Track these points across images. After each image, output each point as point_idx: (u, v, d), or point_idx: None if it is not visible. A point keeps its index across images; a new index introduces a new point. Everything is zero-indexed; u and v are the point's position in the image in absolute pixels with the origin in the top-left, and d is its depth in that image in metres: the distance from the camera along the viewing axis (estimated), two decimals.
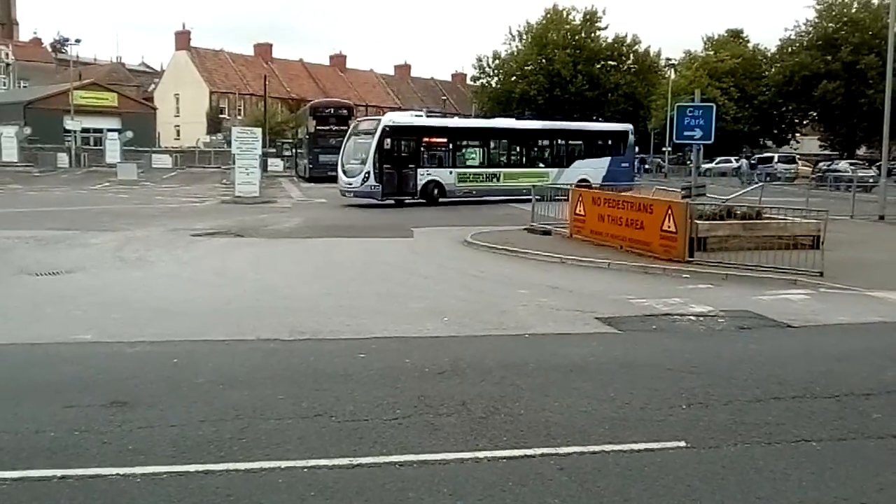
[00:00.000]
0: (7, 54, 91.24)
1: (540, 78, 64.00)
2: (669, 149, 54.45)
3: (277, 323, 9.10)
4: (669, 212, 14.11)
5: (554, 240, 17.15)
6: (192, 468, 4.83)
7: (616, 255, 14.66)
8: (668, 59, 65.06)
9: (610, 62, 66.36)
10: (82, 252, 15.13)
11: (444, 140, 28.81)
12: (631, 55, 68.37)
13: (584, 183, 29.38)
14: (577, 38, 66.10)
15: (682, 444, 5.37)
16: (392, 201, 27.16)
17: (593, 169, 31.68)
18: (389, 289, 11.86)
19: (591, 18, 66.91)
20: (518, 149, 31.59)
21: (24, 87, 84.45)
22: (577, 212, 17.19)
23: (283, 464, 4.92)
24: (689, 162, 47.16)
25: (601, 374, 7.14)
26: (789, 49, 63.43)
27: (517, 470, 4.92)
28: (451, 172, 28.37)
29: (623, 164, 33.40)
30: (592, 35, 66.79)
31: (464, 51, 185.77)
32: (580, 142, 33.14)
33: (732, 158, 57.34)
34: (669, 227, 13.96)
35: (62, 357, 7.65)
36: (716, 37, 73.07)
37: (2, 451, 5.04)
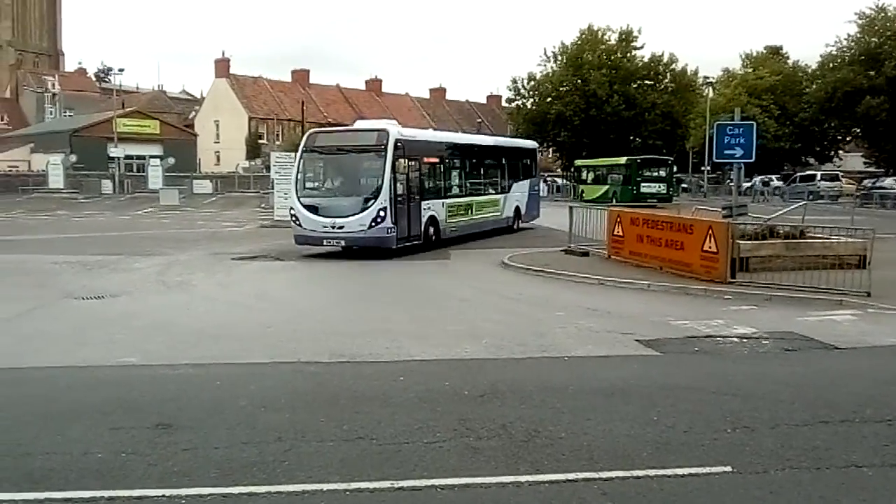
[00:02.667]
0: (53, 84, 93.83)
1: (576, 98, 63.95)
2: (708, 168, 53.96)
3: (317, 346, 9.16)
4: (710, 232, 13.95)
5: (592, 261, 17.04)
6: (235, 490, 4.87)
7: (656, 277, 14.52)
8: (705, 78, 64.54)
9: (646, 81, 66.09)
10: (126, 276, 15.40)
11: (437, 161, 21.56)
12: (668, 74, 68.01)
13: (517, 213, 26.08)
14: (612, 57, 65.94)
15: (728, 468, 5.27)
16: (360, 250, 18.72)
17: (521, 194, 26.80)
18: (427, 312, 11.89)
19: (626, 38, 66.75)
20: (483, 171, 25.01)
21: (70, 115, 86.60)
22: (616, 233, 17.08)
23: (326, 486, 4.93)
24: (728, 181, 46.64)
25: (643, 397, 7.04)
26: (831, 65, 62.48)
27: (559, 495, 4.87)
28: (443, 205, 21.16)
29: (535, 188, 28.76)
30: (628, 55, 66.58)
31: (499, 73, 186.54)
32: (513, 161, 27.10)
33: (759, 178, 56.08)
34: (710, 247, 13.80)
35: (107, 380, 7.78)
36: (754, 54, 72.48)
37: (51, 471, 5.13)
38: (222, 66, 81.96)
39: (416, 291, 14.14)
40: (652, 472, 5.20)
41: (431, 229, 20.28)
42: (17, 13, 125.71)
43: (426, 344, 9.32)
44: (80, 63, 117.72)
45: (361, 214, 18.02)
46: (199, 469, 5.20)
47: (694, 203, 32.79)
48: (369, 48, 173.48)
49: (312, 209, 18.57)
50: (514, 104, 72.26)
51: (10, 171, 66.11)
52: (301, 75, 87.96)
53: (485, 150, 25.91)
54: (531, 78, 68.83)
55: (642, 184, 43.97)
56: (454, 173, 22.70)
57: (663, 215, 17.22)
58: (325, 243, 18.63)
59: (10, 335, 9.88)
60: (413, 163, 19.49)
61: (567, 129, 64.85)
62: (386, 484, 4.97)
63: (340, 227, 18.17)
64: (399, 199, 18.52)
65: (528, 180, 27.70)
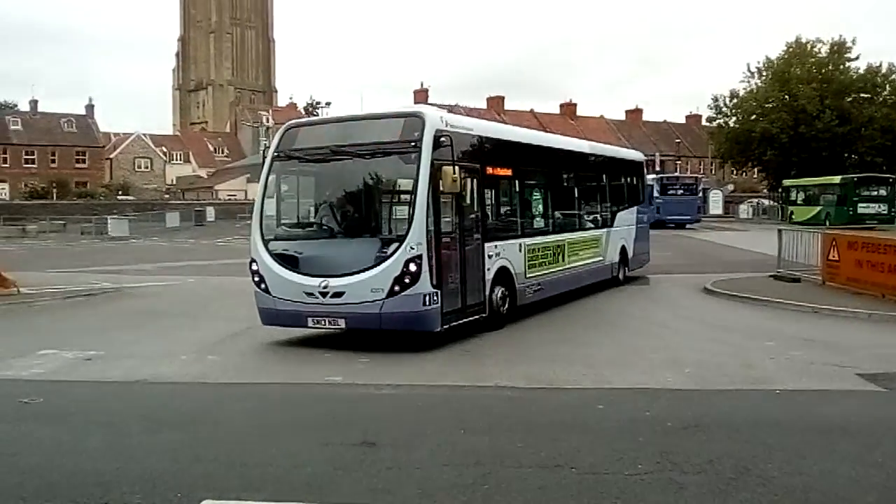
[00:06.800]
0: (267, 119, 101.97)
1: (783, 115, 60.51)
2: None
3: (514, 371, 9.17)
4: None
5: (804, 287, 15.96)
6: None
7: (878, 305, 13.34)
8: None
9: (862, 94, 61.31)
10: None
11: (509, 173, 13.11)
12: (887, 86, 62.84)
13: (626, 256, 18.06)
14: (823, 71, 61.99)
15: None
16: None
17: (627, 228, 18.43)
18: (626, 338, 11.61)
19: (839, 49, 62.50)
20: (577, 193, 16.57)
21: None
22: (831, 257, 15.91)
23: None
24: None
25: (866, 436, 6.45)
26: None
27: None
28: (520, 248, 12.88)
29: (644, 220, 20.23)
30: (841, 67, 62.31)
31: (699, 92, 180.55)
32: (616, 180, 18.90)
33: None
34: None
35: (317, 397, 8.24)
36: None
37: (267, 482, 5.46)
38: (420, 96, 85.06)
39: (613, 317, 13.84)
40: None
41: (499, 290, 11.90)
42: (236, 55, 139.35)
43: (626, 371, 9.09)
44: (290, 98, 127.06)
45: (375, 271, 10.15)
46: (402, 487, 5.33)
47: None
48: (564, 73, 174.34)
49: (287, 261, 10.78)
50: (715, 123, 69.73)
51: (230, 199, 72.46)
52: (496, 101, 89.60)
53: (579, 159, 16.77)
54: (734, 95, 66.16)
55: (860, 204, 40.84)
56: (536, 195, 14.58)
57: (886, 238, 15.85)
58: (310, 323, 10.67)
59: (228, 352, 10.71)
60: (468, 175, 11.39)
61: (773, 148, 61.47)
62: None
63: (338, 295, 10.26)
64: (445, 238, 10.61)
65: (636, 207, 19.34)
